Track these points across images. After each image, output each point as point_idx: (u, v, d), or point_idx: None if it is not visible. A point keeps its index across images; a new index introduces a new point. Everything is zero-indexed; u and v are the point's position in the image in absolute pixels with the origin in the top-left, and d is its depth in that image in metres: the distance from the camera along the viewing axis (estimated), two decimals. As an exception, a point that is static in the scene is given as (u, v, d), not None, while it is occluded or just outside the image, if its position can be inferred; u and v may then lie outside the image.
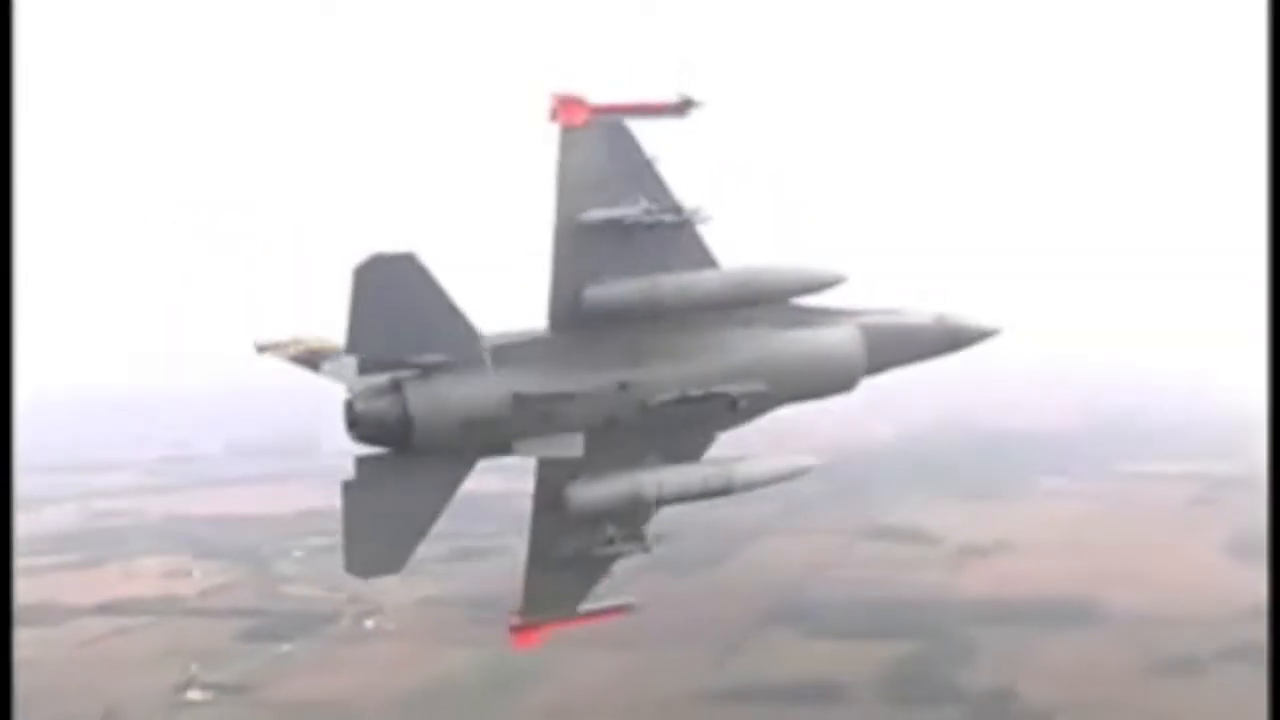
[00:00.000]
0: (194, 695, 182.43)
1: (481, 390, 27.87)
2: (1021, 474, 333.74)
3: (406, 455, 28.62)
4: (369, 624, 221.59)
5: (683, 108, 26.48)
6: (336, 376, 28.73)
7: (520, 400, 28.03)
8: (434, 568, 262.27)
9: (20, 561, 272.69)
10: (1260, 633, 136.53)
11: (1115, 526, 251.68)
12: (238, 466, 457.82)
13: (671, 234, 27.73)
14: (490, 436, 28.75)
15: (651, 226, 27.41)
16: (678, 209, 27.50)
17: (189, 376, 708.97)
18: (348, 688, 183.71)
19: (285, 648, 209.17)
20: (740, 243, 28.96)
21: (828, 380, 32.09)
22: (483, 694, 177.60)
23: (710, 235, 28.45)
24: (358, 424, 28.46)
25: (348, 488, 29.88)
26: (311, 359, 28.92)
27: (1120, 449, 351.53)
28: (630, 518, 30.52)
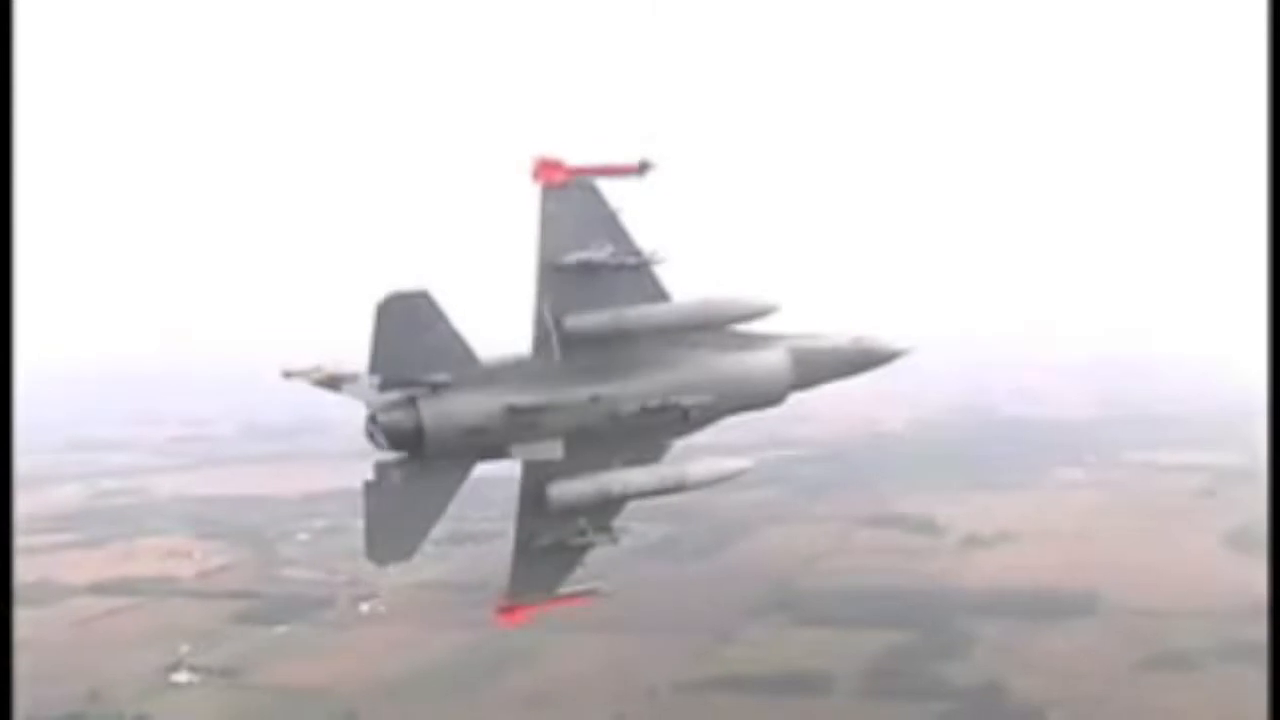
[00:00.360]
0: (180, 677, 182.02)
1: (480, 404, 32.41)
2: (1035, 463, 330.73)
3: (418, 459, 32.82)
4: (364, 608, 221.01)
5: (642, 169, 32.20)
6: (357, 395, 32.57)
7: (511, 412, 32.66)
8: (432, 551, 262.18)
9: (23, 540, 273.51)
10: (1256, 630, 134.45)
11: (1121, 518, 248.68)
12: (250, 446, 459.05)
13: (633, 273, 33.01)
14: (487, 442, 33.15)
15: (616, 268, 32.85)
16: (637, 253, 32.99)
17: (208, 354, 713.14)
18: (335, 672, 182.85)
19: (279, 630, 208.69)
20: (689, 277, 34.39)
21: (762, 394, 36.48)
22: (468, 680, 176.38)
23: (664, 273, 33.86)
24: (382, 435, 32.61)
25: (368, 487, 33.37)
26: (332, 382, 32.51)
27: (1134, 438, 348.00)
28: (601, 512, 35.17)
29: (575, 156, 32.32)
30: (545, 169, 32.11)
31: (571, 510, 34.67)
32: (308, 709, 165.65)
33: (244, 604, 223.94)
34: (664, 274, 34.05)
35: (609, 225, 32.86)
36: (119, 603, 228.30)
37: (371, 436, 33.04)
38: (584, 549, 36.17)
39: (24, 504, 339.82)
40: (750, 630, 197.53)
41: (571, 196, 32.48)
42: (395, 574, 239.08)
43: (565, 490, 34.21)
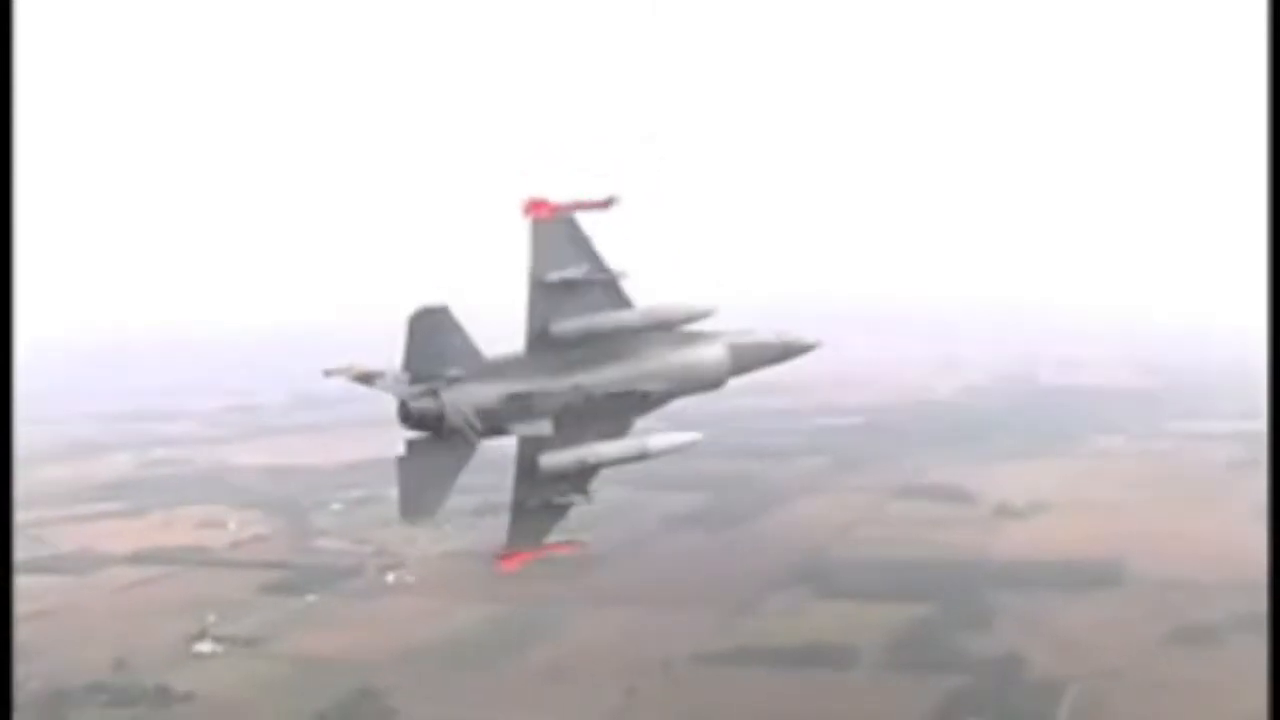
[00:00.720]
0: (203, 647, 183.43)
1: (486, 393, 39.87)
2: (1076, 432, 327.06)
3: (439, 437, 39.91)
4: (390, 578, 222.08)
5: (608, 205, 39.36)
6: (387, 389, 39.70)
7: (511, 398, 40.04)
8: (461, 521, 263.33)
9: (68, 509, 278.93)
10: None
11: (1157, 488, 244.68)
12: (299, 416, 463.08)
13: (603, 287, 40.26)
14: (492, 422, 40.31)
15: (590, 283, 40.01)
16: (606, 271, 40.11)
17: (263, 321, 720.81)
18: (356, 642, 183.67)
19: (305, 600, 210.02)
20: (648, 287, 41.91)
21: (706, 381, 43.76)
22: (487, 651, 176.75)
23: (628, 285, 41.35)
24: (409, 417, 39.83)
25: (400, 460, 40.63)
26: (365, 378, 39.57)
27: (1176, 407, 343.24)
28: (580, 477, 41.82)
29: (558, 194, 39.43)
30: (533, 206, 39.28)
31: (557, 476, 41.36)
32: (325, 679, 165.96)
33: (274, 574, 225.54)
34: (628, 286, 41.33)
35: (584, 249, 39.82)
36: (153, 572, 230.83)
37: (405, 420, 40.08)
38: (566, 507, 42.17)
39: (74, 473, 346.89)
40: (773, 602, 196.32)
41: (555, 227, 39.58)
42: (423, 544, 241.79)
43: (552, 460, 41.05)
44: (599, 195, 39.81)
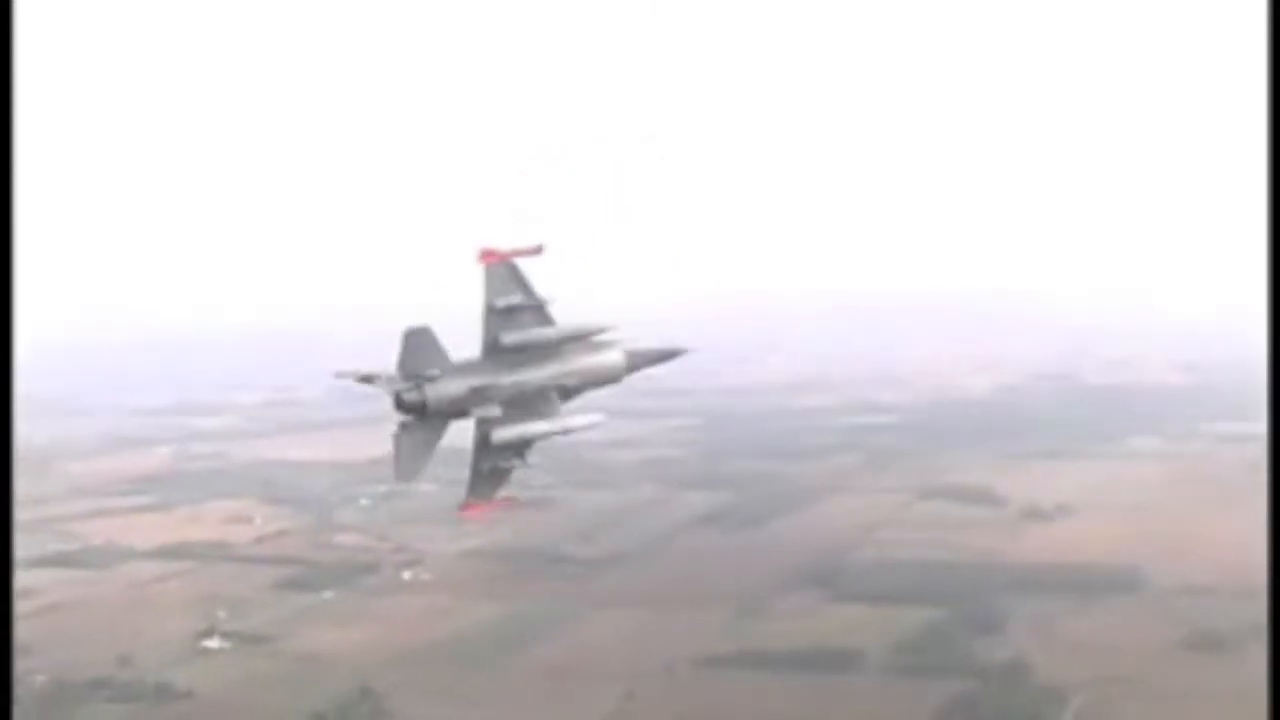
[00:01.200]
0: (211, 644, 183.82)
1: (456, 387, 50.90)
2: (1111, 432, 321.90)
3: (423, 420, 50.84)
4: (406, 575, 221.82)
5: (539, 251, 51.32)
6: (384, 386, 50.73)
7: (472, 390, 51.08)
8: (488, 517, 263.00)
9: (98, 503, 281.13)
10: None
11: (1185, 490, 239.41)
12: (339, 410, 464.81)
13: (534, 310, 51.98)
14: (460, 407, 51.21)
15: (525, 307, 51.76)
16: (537, 299, 51.80)
17: (307, 319, 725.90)
18: (363, 641, 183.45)
19: (320, 597, 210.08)
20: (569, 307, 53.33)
21: (608, 377, 54.19)
22: (490, 651, 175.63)
23: (555, 310, 52.98)
24: (403, 405, 50.55)
25: (396, 437, 51.24)
26: (367, 379, 51.02)
27: (1213, 407, 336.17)
28: (520, 447, 52.32)
29: (503, 245, 51.32)
30: (485, 255, 51.33)
31: (504, 447, 51.98)
32: (326, 678, 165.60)
33: (290, 570, 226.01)
34: (554, 310, 52.83)
35: (521, 284, 51.61)
36: (173, 567, 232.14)
37: (399, 407, 50.82)
38: (510, 469, 52.85)
39: (111, 466, 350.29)
40: (784, 604, 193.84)
41: (500, 269, 51.40)
42: (443, 542, 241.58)
43: (501, 435, 51.67)
44: (531, 245, 51.50)
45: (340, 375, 52.39)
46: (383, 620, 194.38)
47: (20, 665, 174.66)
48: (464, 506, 53.90)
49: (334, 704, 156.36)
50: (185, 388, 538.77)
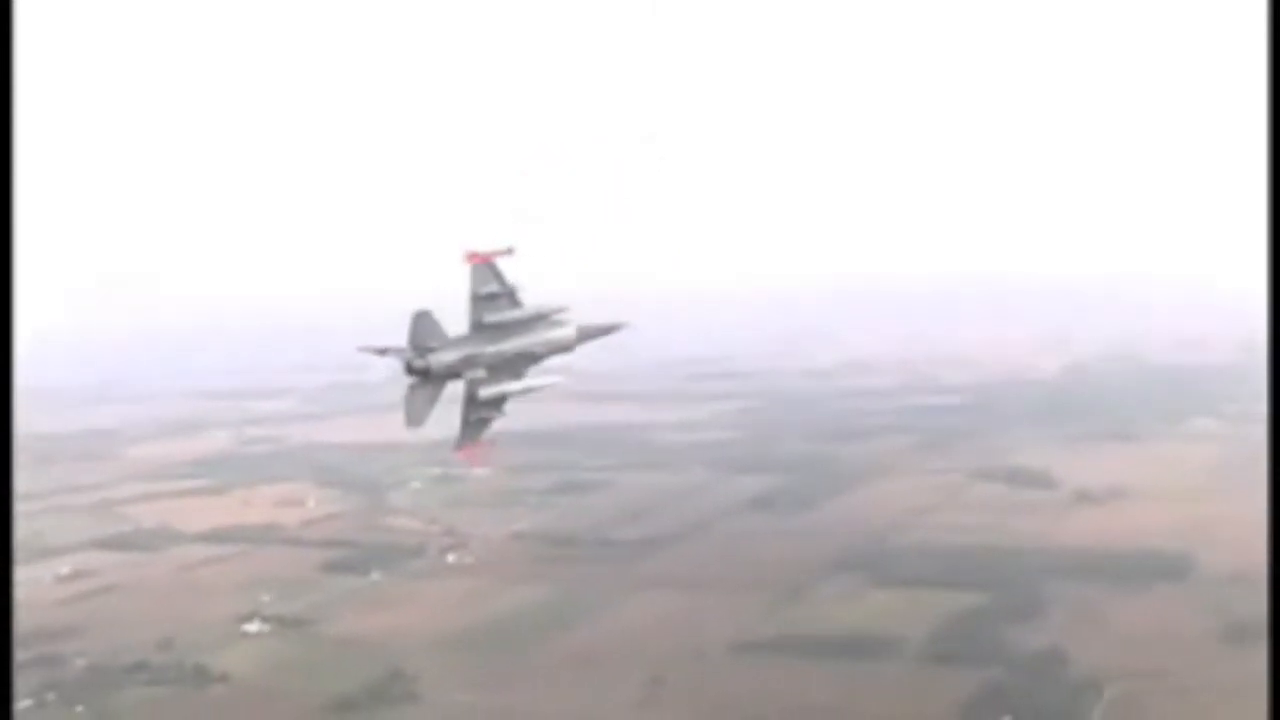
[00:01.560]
0: (251, 627, 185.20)
1: (451, 355, 60.60)
2: (1172, 413, 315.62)
3: (426, 381, 60.23)
4: (450, 559, 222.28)
5: (510, 252, 61.25)
6: (399, 356, 60.46)
7: (463, 358, 60.61)
8: (534, 500, 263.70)
9: (155, 486, 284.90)
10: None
11: (1241, 474, 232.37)
12: (400, 392, 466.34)
13: (509, 296, 61.68)
14: (454, 371, 60.80)
15: (500, 295, 61.46)
16: (510, 288, 61.56)
17: (367, 302, 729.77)
18: (400, 624, 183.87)
19: (363, 581, 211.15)
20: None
21: (564, 347, 63.95)
22: (524, 636, 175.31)
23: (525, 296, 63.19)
24: (412, 370, 60.03)
25: (406, 397, 60.72)
26: (384, 351, 61.66)
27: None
28: (499, 402, 62.05)
29: (482, 247, 61.40)
30: (470, 256, 61.39)
31: (487, 401, 62.11)
32: (359, 661, 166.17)
33: (337, 553, 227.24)
34: (525, 297, 62.86)
35: (497, 276, 61.80)
36: (223, 550, 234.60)
37: (409, 372, 60.68)
38: (490, 420, 62.64)
39: (171, 450, 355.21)
40: (826, 589, 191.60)
41: (482, 267, 61.75)
42: (491, 523, 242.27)
43: (485, 392, 61.60)
44: (504, 247, 61.96)
45: (362, 349, 65.33)
46: (422, 604, 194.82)
47: (66, 647, 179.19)
48: (457, 450, 64.23)
49: (363, 687, 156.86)
50: (247, 371, 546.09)
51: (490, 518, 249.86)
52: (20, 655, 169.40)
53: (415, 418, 62.78)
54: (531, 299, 63.14)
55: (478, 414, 63.04)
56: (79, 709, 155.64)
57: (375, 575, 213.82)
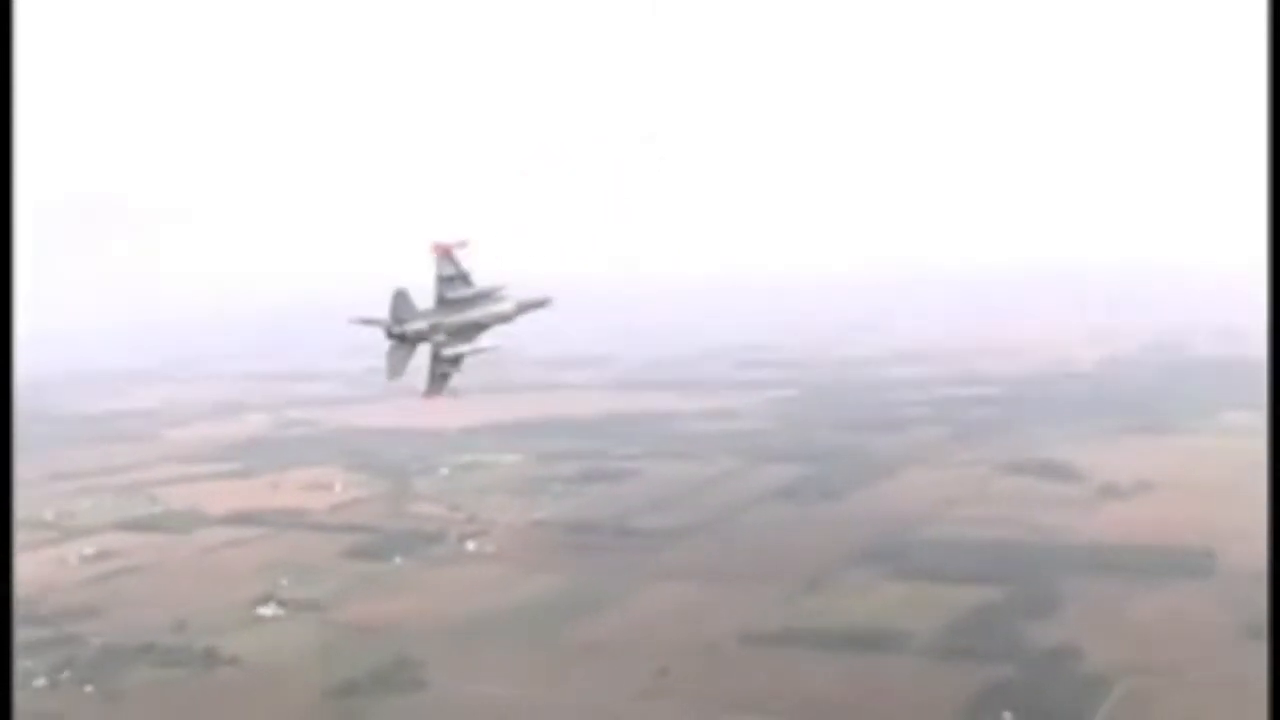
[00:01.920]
0: (265, 611, 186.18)
1: (421, 323, 72.21)
2: (1209, 406, 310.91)
3: (402, 344, 71.95)
4: (470, 546, 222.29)
5: (465, 244, 73.18)
6: (381, 325, 71.43)
7: (430, 326, 72.40)
8: (559, 488, 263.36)
9: (188, 468, 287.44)
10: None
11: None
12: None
13: (463, 278, 73.52)
14: (423, 336, 72.59)
15: (457, 276, 73.35)
16: (464, 272, 73.27)
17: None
18: (413, 610, 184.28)
19: (381, 566, 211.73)
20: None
21: (505, 317, 75.85)
22: (535, 623, 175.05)
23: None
24: (391, 335, 71.32)
25: (388, 354, 72.52)
26: (370, 321, 71.89)
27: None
28: (457, 360, 74.29)
29: (446, 238, 73.21)
30: (435, 248, 72.61)
31: (448, 359, 74.20)
32: (370, 647, 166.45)
33: (358, 538, 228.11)
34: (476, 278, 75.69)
35: (455, 263, 73.37)
36: (247, 533, 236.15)
37: (388, 336, 71.74)
38: (451, 374, 75.14)
39: (210, 432, 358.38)
40: (843, 581, 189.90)
41: (444, 256, 73.24)
42: (515, 511, 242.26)
43: (446, 351, 73.65)
44: (460, 239, 74.03)
45: (352, 320, 75.90)
46: (437, 590, 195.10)
47: (85, 627, 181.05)
48: (425, 395, 77.96)
49: (370, 672, 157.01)
50: (294, 354, 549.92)
51: (515, 505, 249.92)
52: (40, 634, 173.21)
53: (393, 371, 77.21)
54: (560, 288, 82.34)
55: (441, 369, 77.43)
56: (88, 689, 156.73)
57: (397, 560, 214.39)
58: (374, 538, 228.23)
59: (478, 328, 78.40)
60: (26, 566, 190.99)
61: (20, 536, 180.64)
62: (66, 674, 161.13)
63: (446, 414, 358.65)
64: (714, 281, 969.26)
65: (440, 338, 76.21)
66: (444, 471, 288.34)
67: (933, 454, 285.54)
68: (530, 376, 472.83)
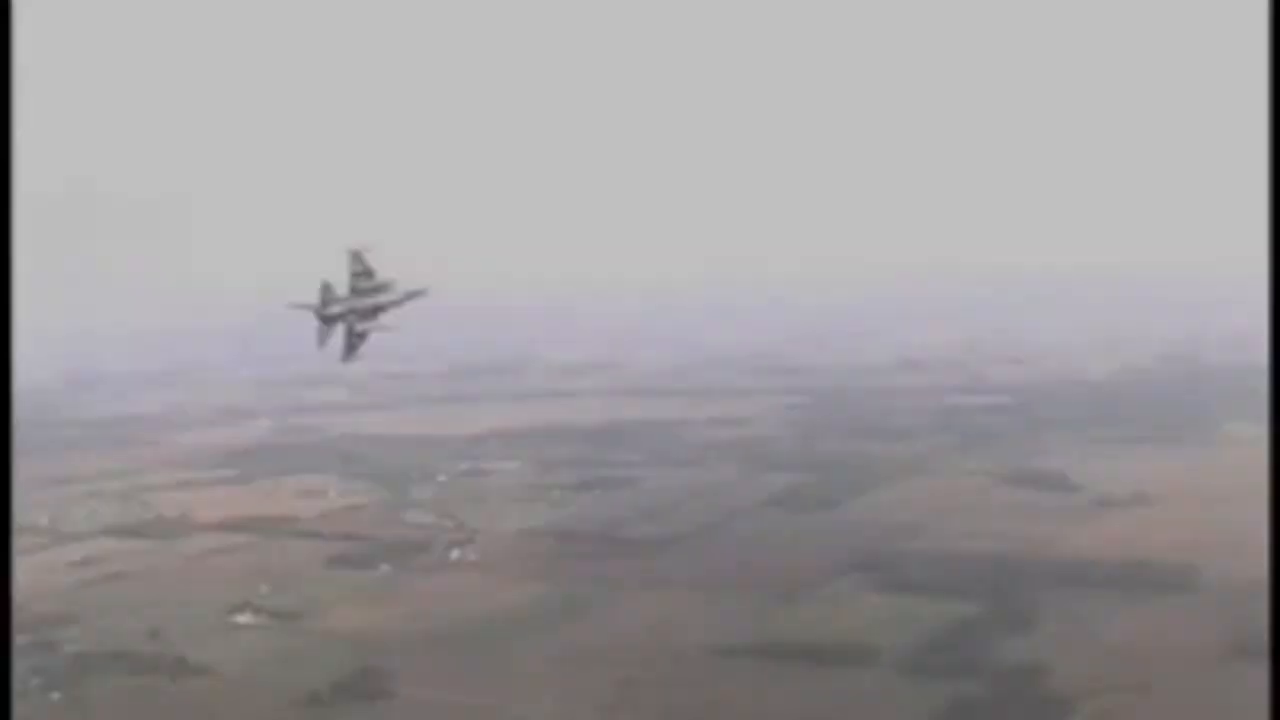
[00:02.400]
0: (241, 619, 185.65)
1: (339, 307, 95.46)
2: (1212, 416, 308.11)
3: (330, 322, 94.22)
4: (454, 554, 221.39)
5: (372, 248, 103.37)
6: (312, 310, 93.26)
7: (346, 309, 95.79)
8: (556, 496, 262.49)
9: (186, 475, 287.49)
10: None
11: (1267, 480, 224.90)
12: (451, 385, 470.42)
13: (369, 273, 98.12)
14: (341, 316, 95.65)
15: (364, 271, 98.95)
16: (369, 268, 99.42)
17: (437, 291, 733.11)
18: (390, 620, 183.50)
19: (366, 575, 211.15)
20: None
21: (395, 302, 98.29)
22: (509, 634, 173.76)
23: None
24: (319, 316, 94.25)
25: (318, 330, 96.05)
26: (304, 306, 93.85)
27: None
28: (365, 334, 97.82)
29: (356, 243, 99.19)
30: (350, 250, 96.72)
31: (358, 334, 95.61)
32: (341, 656, 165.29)
33: (348, 546, 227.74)
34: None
35: (362, 260, 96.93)
36: (233, 540, 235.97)
37: (317, 317, 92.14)
38: (360, 344, 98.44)
39: (211, 438, 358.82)
40: (824, 592, 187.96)
41: (355, 255, 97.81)
42: (505, 519, 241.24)
43: (358, 328, 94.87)
44: (368, 242, 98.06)
45: (290, 306, 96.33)
46: (414, 600, 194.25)
47: (61, 635, 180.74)
48: (343, 360, 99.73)
49: (336, 683, 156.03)
50: (301, 358, 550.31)
51: (507, 514, 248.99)
52: (17, 641, 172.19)
53: (321, 342, 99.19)
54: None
55: (351, 341, 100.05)
56: (55, 696, 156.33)
57: (383, 568, 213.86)
58: (361, 546, 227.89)
59: (378, 310, 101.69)
60: (16, 573, 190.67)
61: (16, 542, 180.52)
62: (35, 681, 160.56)
63: (454, 422, 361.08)
64: (725, 285, 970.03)
65: (352, 318, 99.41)
66: (441, 479, 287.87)
67: (934, 463, 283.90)
68: (541, 384, 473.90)
